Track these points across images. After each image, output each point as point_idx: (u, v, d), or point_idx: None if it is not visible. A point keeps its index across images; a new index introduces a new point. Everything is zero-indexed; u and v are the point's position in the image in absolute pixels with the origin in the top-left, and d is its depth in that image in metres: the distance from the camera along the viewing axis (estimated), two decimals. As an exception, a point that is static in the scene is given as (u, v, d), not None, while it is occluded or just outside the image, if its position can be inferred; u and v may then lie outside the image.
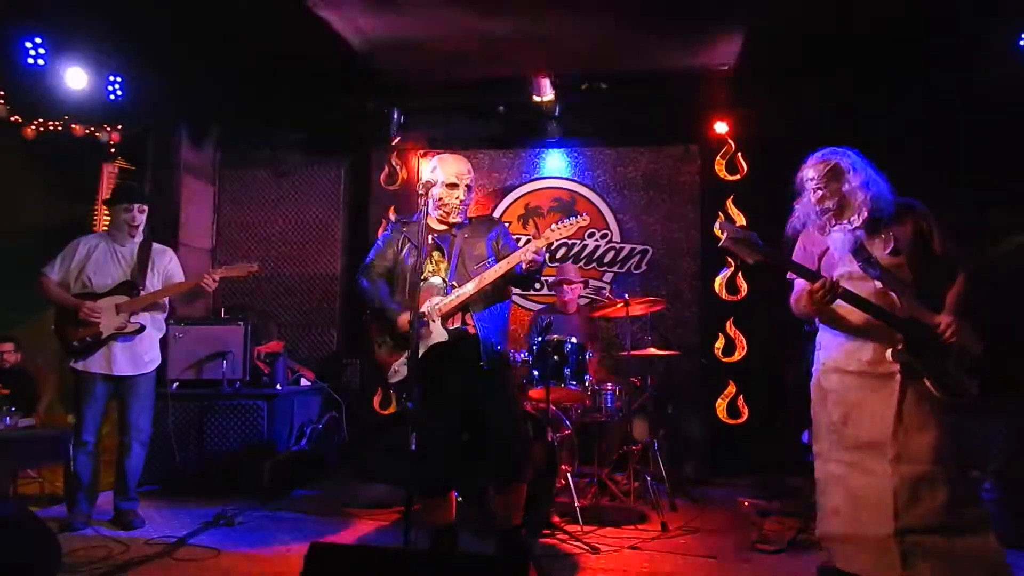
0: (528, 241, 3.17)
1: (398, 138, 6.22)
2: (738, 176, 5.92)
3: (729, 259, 5.76)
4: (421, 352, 3.11)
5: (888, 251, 2.83)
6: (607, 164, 6.35)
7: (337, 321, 6.52)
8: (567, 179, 6.39)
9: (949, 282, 2.84)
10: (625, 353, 4.77)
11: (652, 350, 4.74)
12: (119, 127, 5.97)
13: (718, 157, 5.97)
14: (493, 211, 6.32)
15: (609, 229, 6.27)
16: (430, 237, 3.29)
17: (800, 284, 2.96)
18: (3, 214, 6.04)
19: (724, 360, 5.84)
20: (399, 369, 3.21)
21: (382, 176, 6.43)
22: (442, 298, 3.21)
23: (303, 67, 5.50)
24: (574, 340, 4.40)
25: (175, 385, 5.08)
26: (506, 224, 4.38)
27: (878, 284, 2.79)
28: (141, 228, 4.17)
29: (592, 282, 6.14)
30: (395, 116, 6.08)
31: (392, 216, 6.06)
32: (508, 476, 3.24)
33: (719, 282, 5.87)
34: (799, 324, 3.48)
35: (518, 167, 6.46)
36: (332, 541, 3.58)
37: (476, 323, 3.19)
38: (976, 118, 5.09)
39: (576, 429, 4.58)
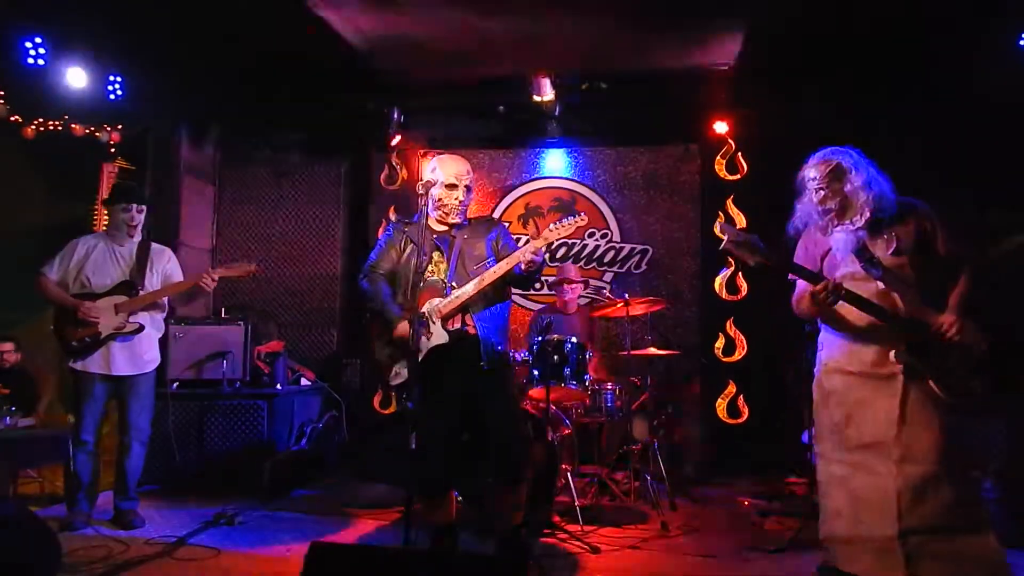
0: (527, 241, 3.17)
1: (398, 138, 6.23)
2: (738, 176, 5.92)
3: (729, 259, 5.76)
4: (422, 354, 3.11)
5: (890, 251, 2.82)
6: (607, 164, 6.35)
7: (337, 321, 6.51)
8: (567, 179, 6.39)
9: (952, 282, 2.83)
10: (625, 353, 4.76)
11: (652, 350, 4.74)
12: (119, 127, 5.96)
13: (718, 157, 5.96)
14: (493, 211, 6.32)
15: (609, 229, 6.27)
16: (430, 237, 3.29)
17: (802, 285, 2.95)
18: (3, 214, 6.03)
19: (724, 360, 5.83)
20: (400, 371, 3.21)
21: (382, 176, 6.42)
22: (442, 299, 3.20)
23: (303, 67, 5.49)
24: (574, 340, 4.40)
25: (175, 385, 5.08)
26: (506, 224, 4.39)
27: (880, 284, 2.78)
28: (140, 228, 4.16)
29: (592, 282, 6.14)
30: (395, 116, 6.07)
31: (392, 216, 6.06)
32: (508, 476, 3.24)
33: (719, 282, 5.86)
34: (799, 324, 3.47)
35: (518, 167, 6.46)
36: (332, 541, 3.57)
37: (476, 323, 3.19)
38: (976, 118, 5.08)
39: (576, 429, 4.58)
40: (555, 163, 6.41)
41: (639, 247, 6.21)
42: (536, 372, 4.32)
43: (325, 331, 6.52)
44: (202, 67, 5.39)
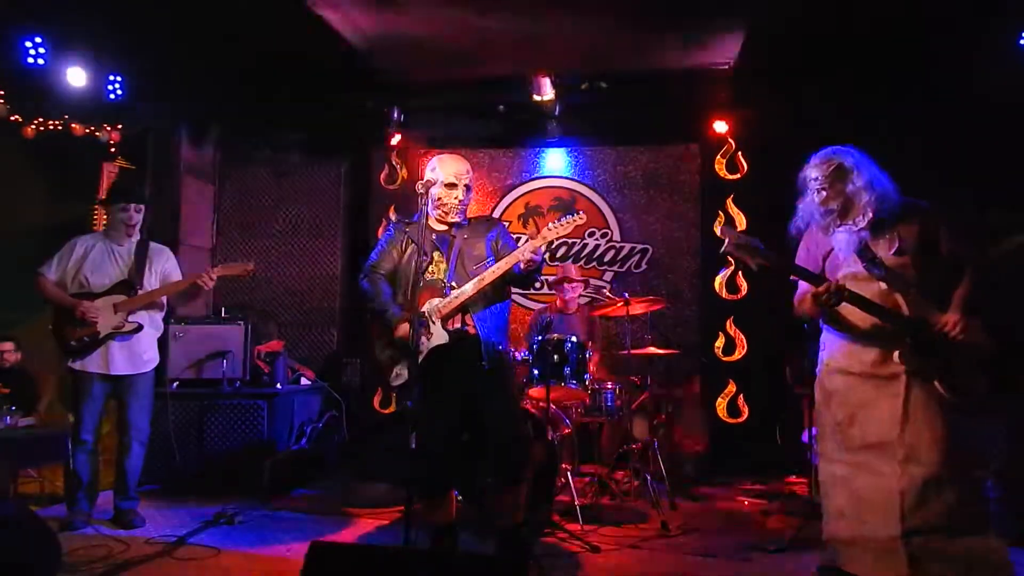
0: (527, 240, 3.17)
1: (398, 137, 6.23)
2: (738, 175, 5.93)
3: (729, 259, 5.77)
4: (422, 354, 3.11)
5: (893, 251, 2.81)
6: (607, 163, 6.35)
7: (337, 320, 6.52)
8: (567, 178, 6.39)
9: (954, 282, 2.82)
10: (625, 352, 4.77)
11: (652, 349, 4.74)
12: (119, 127, 5.96)
13: (718, 156, 5.97)
14: (493, 210, 6.32)
15: (609, 228, 6.27)
16: (430, 237, 3.29)
17: (804, 286, 2.94)
18: (3, 214, 6.03)
19: (724, 359, 5.84)
20: (401, 372, 3.20)
21: (382, 176, 6.43)
22: (441, 299, 3.20)
23: (303, 67, 5.49)
24: (574, 339, 4.40)
25: (175, 384, 5.08)
26: (506, 224, 4.39)
27: (883, 285, 2.78)
28: (138, 227, 4.16)
29: (592, 281, 6.14)
30: (395, 115, 6.08)
31: (392, 216, 6.07)
32: (508, 476, 3.24)
33: (719, 281, 5.87)
34: (799, 323, 3.47)
35: (518, 166, 6.46)
36: (332, 541, 3.57)
37: (476, 323, 3.19)
38: (976, 118, 5.08)
39: (576, 428, 4.58)
40: (555, 162, 6.42)
41: (639, 246, 6.21)
42: (536, 371, 4.31)
43: (325, 331, 6.52)
44: (202, 67, 5.40)
